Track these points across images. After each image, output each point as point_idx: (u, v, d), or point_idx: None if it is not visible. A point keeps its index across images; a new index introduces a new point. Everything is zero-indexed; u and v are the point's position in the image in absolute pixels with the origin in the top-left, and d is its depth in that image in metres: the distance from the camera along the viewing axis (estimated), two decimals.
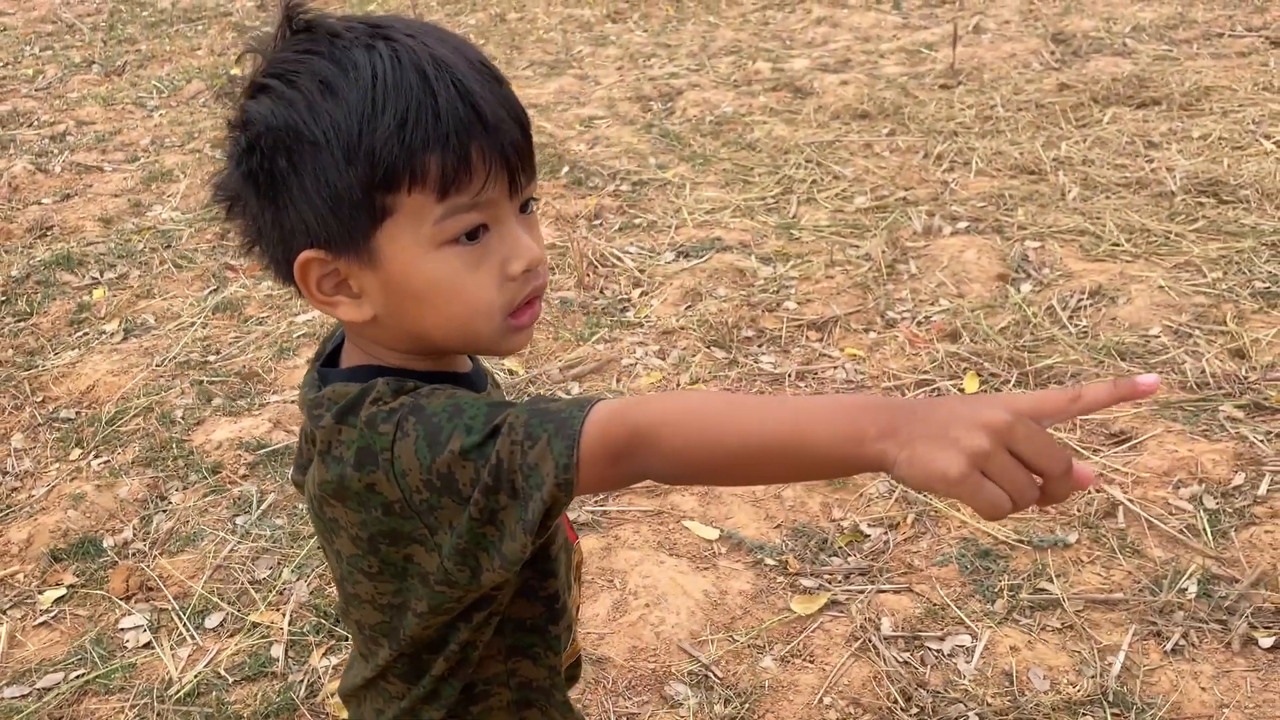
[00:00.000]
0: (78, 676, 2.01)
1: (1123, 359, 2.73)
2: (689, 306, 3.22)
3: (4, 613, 2.20)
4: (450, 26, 6.21)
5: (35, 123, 5.26)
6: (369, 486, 0.80)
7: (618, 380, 2.88)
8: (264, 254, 0.87)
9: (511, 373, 2.93)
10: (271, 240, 0.85)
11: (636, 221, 3.82)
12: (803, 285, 3.26)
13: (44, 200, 4.29)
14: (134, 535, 2.39)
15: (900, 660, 1.95)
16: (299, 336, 3.17)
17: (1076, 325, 2.91)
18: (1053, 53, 5.18)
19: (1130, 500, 2.26)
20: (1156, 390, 0.68)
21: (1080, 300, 3.02)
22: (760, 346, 2.99)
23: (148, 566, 2.29)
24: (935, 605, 2.06)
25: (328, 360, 0.95)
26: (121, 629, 2.12)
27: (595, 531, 2.31)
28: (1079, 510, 2.25)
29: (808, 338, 3.00)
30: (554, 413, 0.75)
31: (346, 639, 2.04)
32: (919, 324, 3.00)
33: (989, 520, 0.81)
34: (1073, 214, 3.51)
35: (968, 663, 1.93)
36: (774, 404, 0.73)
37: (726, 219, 3.77)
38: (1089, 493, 2.28)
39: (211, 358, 3.10)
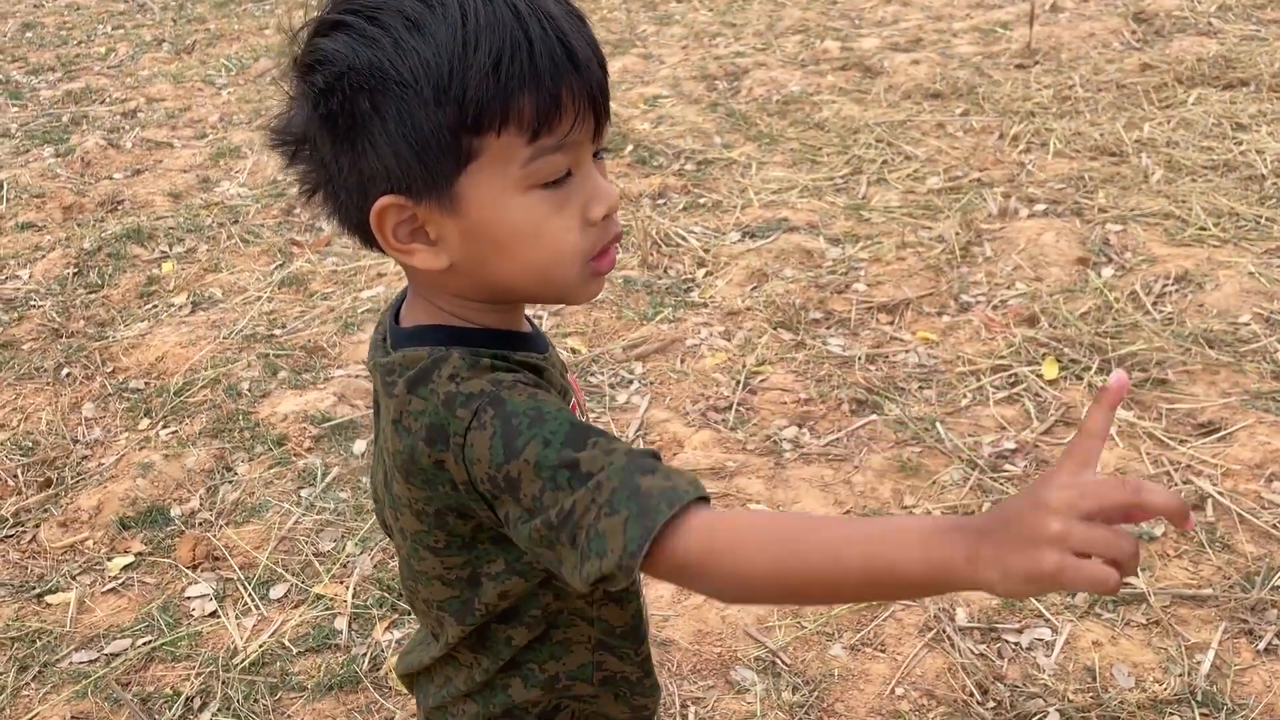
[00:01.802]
0: (145, 643, 2.02)
1: (1210, 347, 2.62)
2: (755, 287, 3.16)
3: (74, 579, 2.22)
4: None
5: (107, 100, 5.33)
6: (438, 464, 0.79)
7: (681, 360, 2.83)
8: (330, 200, 0.83)
9: (575, 351, 2.90)
10: (345, 186, 0.81)
11: (701, 201, 3.76)
12: (873, 267, 3.18)
13: (115, 175, 4.35)
14: (200, 505, 2.40)
15: (976, 652, 1.88)
16: (363, 312, 3.17)
17: (1161, 311, 2.80)
18: (1134, 32, 5.01)
19: (1220, 493, 2.16)
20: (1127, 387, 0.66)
21: (1165, 286, 2.90)
22: (829, 329, 2.92)
23: (214, 536, 2.30)
24: None
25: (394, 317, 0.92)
26: (188, 597, 2.13)
27: None
28: None
29: (878, 320, 2.92)
30: (646, 493, 0.71)
31: (409, 613, 2.03)
32: (995, 308, 2.91)
33: (1112, 594, 0.78)
34: (1156, 197, 3.38)
35: (1047, 657, 1.86)
36: (853, 539, 0.69)
37: (794, 199, 3.69)
38: (1177, 484, 2.19)
39: (277, 331, 3.11)
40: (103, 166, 4.45)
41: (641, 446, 0.80)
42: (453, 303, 0.86)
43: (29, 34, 6.60)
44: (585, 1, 6.54)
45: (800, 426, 2.52)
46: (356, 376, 2.84)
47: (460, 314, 0.86)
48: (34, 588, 2.19)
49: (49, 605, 2.15)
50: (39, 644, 2.04)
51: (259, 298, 3.30)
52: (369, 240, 0.83)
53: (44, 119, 5.06)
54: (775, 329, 2.93)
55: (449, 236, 0.80)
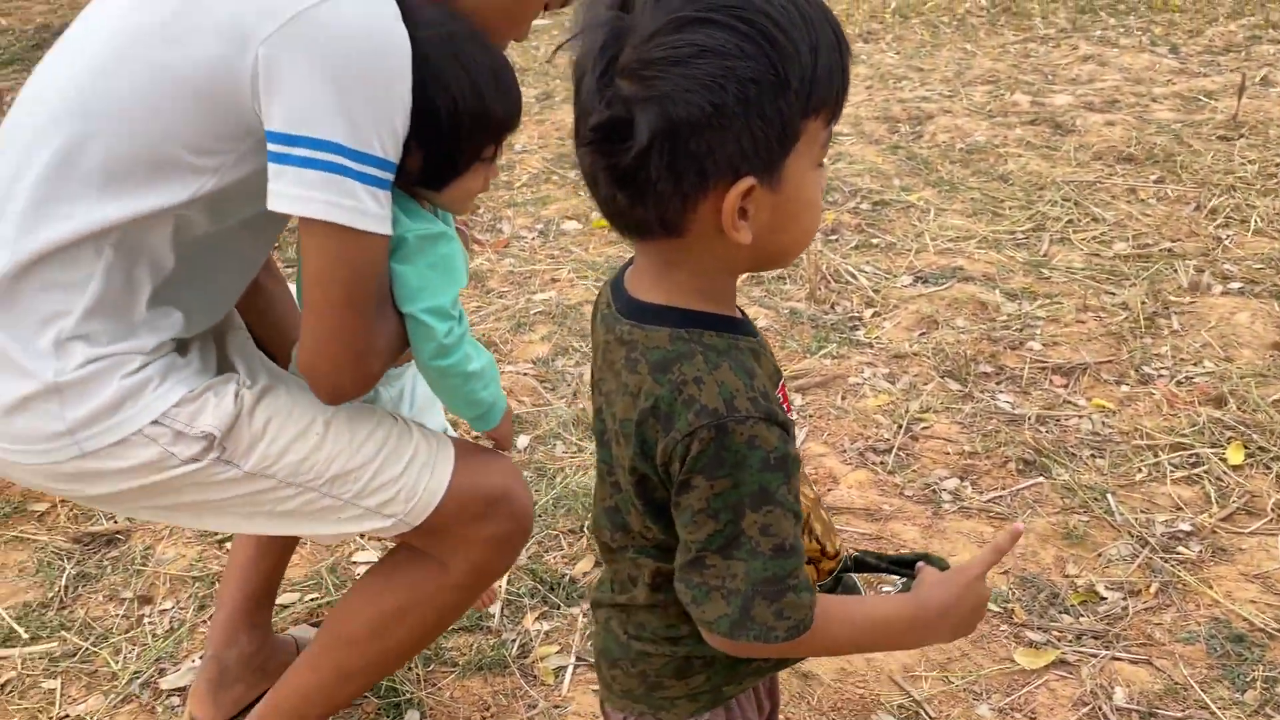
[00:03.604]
0: (311, 599, 2.13)
1: None
2: (923, 333, 3.12)
3: None
4: None
5: None
6: (653, 440, 0.91)
7: (842, 398, 2.81)
8: (642, 190, 0.85)
9: None
10: (681, 172, 0.83)
11: (874, 241, 3.74)
12: (1050, 327, 3.10)
13: None
14: None
15: None
16: (535, 313, 3.27)
17: None
18: None
19: None
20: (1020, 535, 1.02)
21: None
22: (999, 384, 2.85)
23: None
24: (1177, 684, 1.90)
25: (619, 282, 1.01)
26: (354, 562, 2.24)
27: None
28: None
29: (1051, 382, 2.84)
30: (751, 616, 0.91)
31: (558, 607, 2.08)
32: (1179, 384, 2.79)
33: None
34: None
35: None
36: (875, 637, 1.04)
37: (971, 249, 3.63)
38: None
39: None
40: None
41: (796, 545, 0.92)
42: (699, 280, 0.93)
43: None
44: None
45: (962, 479, 2.47)
46: (524, 374, 2.93)
47: (703, 291, 0.94)
48: (218, 534, 2.33)
49: (230, 551, 2.29)
50: (217, 585, 2.17)
51: None
52: (666, 226, 0.87)
53: None
54: (942, 378, 2.88)
55: (760, 212, 0.88)
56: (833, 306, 3.31)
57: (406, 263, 1.24)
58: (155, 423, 1.24)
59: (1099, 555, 2.21)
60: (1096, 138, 4.55)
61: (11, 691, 1.92)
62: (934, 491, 2.44)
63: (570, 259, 3.66)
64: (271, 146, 1.15)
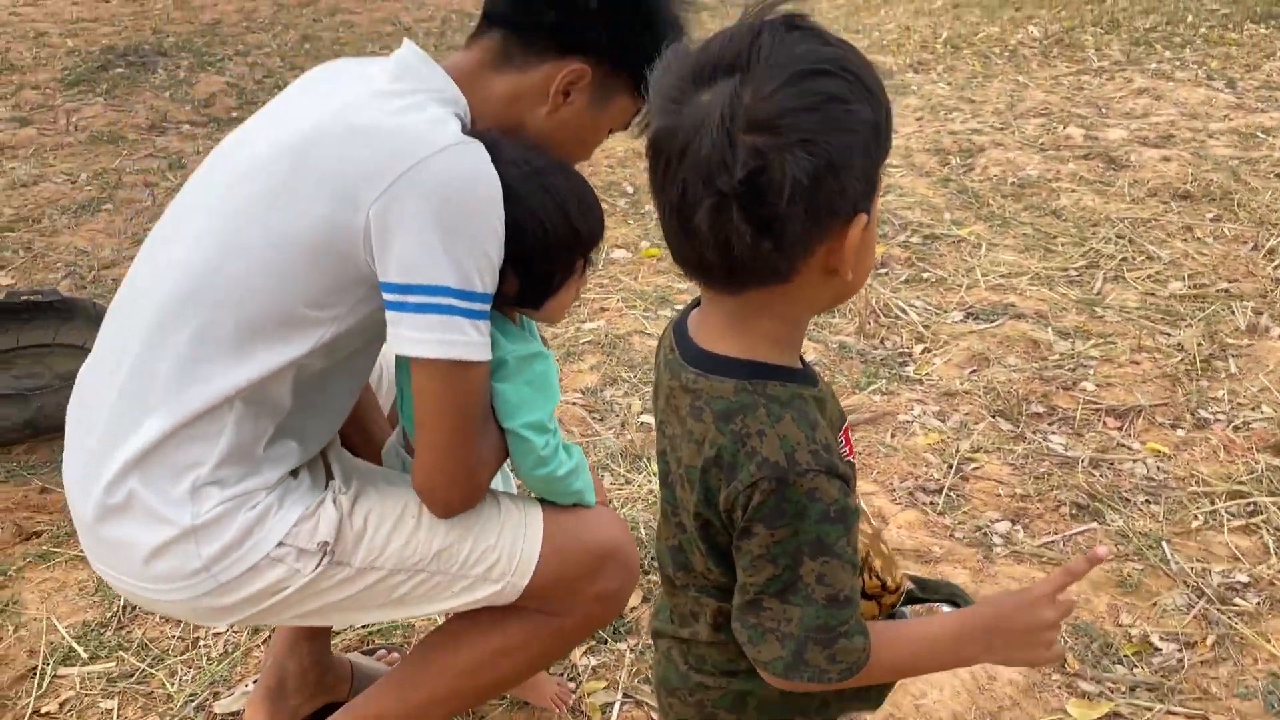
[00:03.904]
0: (363, 627, 2.15)
1: None
2: (974, 371, 3.10)
3: None
4: None
5: None
6: (716, 489, 0.95)
7: (892, 435, 2.80)
8: (798, 222, 0.87)
9: None
10: (828, 208, 0.87)
11: (925, 275, 3.72)
12: (1103, 367, 3.06)
13: None
14: None
15: None
16: (584, 343, 3.29)
17: None
18: None
19: None
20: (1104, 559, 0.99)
21: None
22: (1051, 425, 2.82)
23: None
24: None
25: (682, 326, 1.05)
26: None
27: None
28: None
29: (1105, 424, 2.81)
30: (804, 660, 0.96)
31: (605, 642, 2.08)
32: (1236, 429, 2.74)
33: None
34: None
35: None
36: (923, 657, 1.03)
37: (1023, 285, 3.60)
38: None
39: None
40: None
41: (850, 591, 0.96)
42: (782, 327, 0.98)
43: (306, 45, 7.20)
44: None
45: (1014, 523, 2.44)
46: (573, 404, 2.95)
47: (780, 340, 0.98)
48: None
49: None
50: None
51: None
52: (780, 273, 0.91)
53: None
54: (994, 417, 2.86)
55: (862, 249, 0.93)
56: (882, 342, 3.30)
57: (506, 381, 1.33)
58: (279, 544, 1.35)
59: (1154, 605, 2.18)
60: (1151, 173, 4.51)
61: (70, 710, 1.96)
62: (985, 534, 2.42)
63: (619, 288, 3.69)
64: (387, 296, 1.25)
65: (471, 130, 1.32)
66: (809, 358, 3.15)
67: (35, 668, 2.05)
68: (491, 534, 1.42)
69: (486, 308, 1.27)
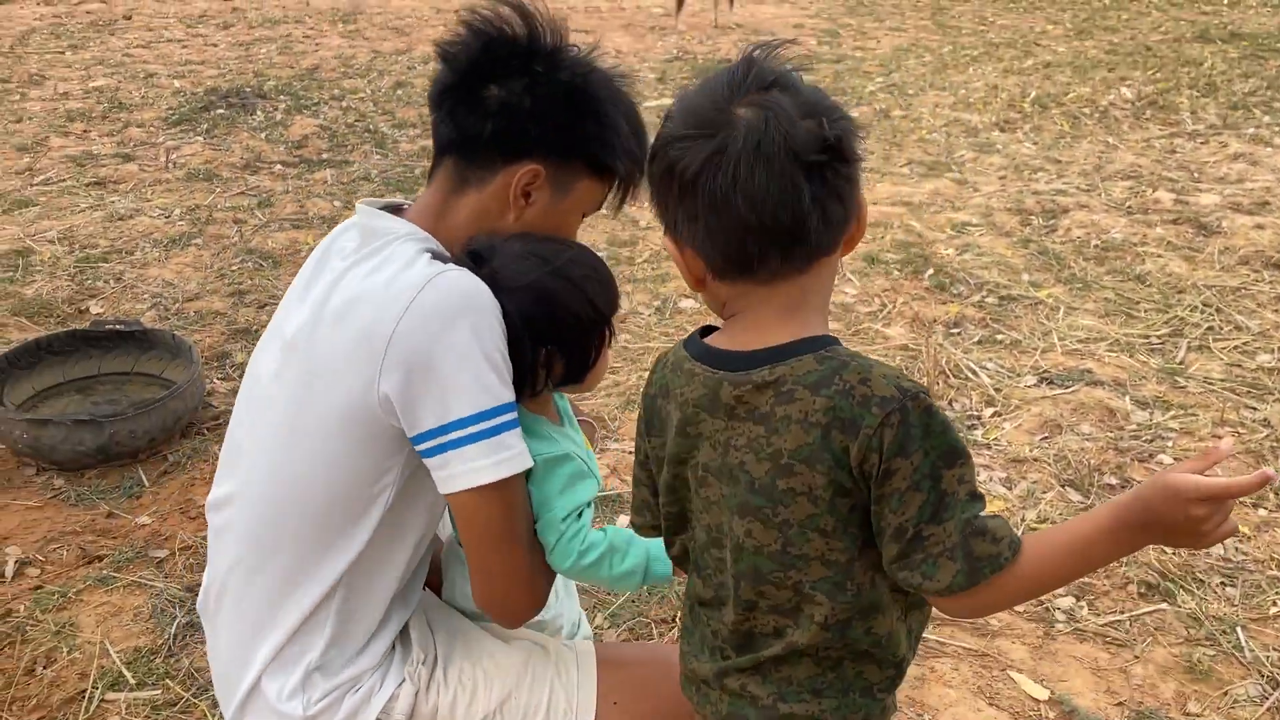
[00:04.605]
0: None
1: None
2: (1046, 438, 3.00)
3: None
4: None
5: None
6: (844, 449, 0.99)
7: None
8: (852, 186, 1.06)
9: None
10: (834, 221, 1.04)
11: (999, 337, 3.64)
12: (1182, 440, 2.94)
13: None
14: None
15: None
16: None
17: None
18: None
19: None
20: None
21: None
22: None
23: None
24: None
25: (703, 339, 1.12)
26: None
27: None
28: None
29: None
30: (977, 557, 1.00)
31: None
32: None
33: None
34: None
35: None
36: (1087, 558, 1.03)
37: (1101, 351, 3.49)
38: None
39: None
40: None
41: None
42: (825, 298, 1.10)
43: (399, 91, 7.41)
44: (905, 121, 6.57)
45: (1078, 599, 2.34)
46: (630, 453, 2.93)
47: (824, 311, 1.09)
48: None
49: None
50: None
51: None
52: (834, 244, 1.06)
53: (400, 169, 5.63)
54: (1063, 486, 2.76)
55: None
56: (951, 403, 3.22)
57: (531, 484, 1.36)
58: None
59: (1225, 694, 2.06)
60: (1243, 241, 4.35)
61: None
62: (1047, 609, 2.32)
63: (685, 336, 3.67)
64: (426, 445, 1.28)
65: (464, 244, 1.38)
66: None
67: (85, 691, 2.08)
68: (543, 681, 1.48)
69: (516, 413, 1.30)
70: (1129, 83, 7.42)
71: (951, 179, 5.42)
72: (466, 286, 1.29)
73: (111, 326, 3.19)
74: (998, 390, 3.27)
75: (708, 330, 1.13)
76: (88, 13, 10.32)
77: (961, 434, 2.98)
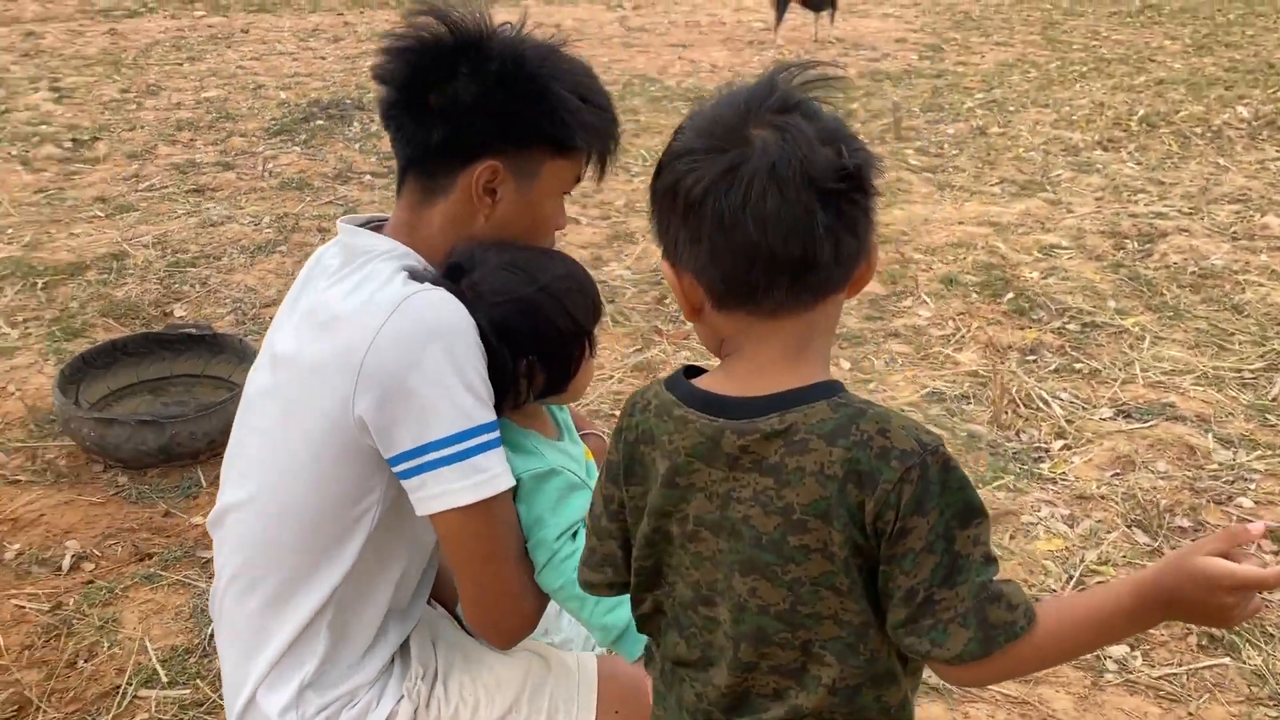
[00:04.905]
0: None
1: None
2: (1117, 474, 2.85)
3: None
4: (929, 133, 6.02)
5: None
6: (859, 505, 0.95)
7: (1010, 536, 2.60)
8: (867, 219, 1.00)
9: None
10: (846, 255, 0.99)
11: (1077, 366, 3.48)
12: (1267, 482, 2.76)
13: None
14: None
15: None
16: None
17: None
18: None
19: None
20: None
21: None
22: (1194, 540, 2.55)
23: None
24: None
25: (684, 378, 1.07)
26: None
27: (944, 700, 2.08)
28: None
29: (1259, 547, 2.51)
30: (991, 624, 0.95)
31: None
32: None
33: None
34: None
35: None
36: (1102, 631, 0.99)
37: (1186, 385, 3.31)
38: None
39: (617, 413, 3.25)
40: None
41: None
42: (829, 341, 1.04)
43: None
44: (1003, 138, 6.37)
45: (1132, 648, 2.21)
46: None
47: (826, 361, 1.03)
48: None
49: None
50: None
51: (611, 377, 3.47)
52: (845, 280, 1.01)
53: None
54: (1130, 527, 2.62)
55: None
56: (1018, 434, 3.09)
57: (520, 501, 1.35)
58: None
59: None
60: None
61: None
62: (1097, 657, 2.19)
63: None
64: (402, 466, 1.28)
65: (445, 256, 1.37)
66: None
67: (120, 686, 2.14)
68: (542, 694, 1.46)
69: (497, 434, 1.29)
70: (1246, 101, 7.05)
71: (1044, 199, 5.23)
72: (439, 308, 1.27)
73: (184, 330, 3.29)
74: (1070, 422, 3.13)
75: (692, 370, 1.07)
76: (209, 26, 10.78)
77: (1025, 468, 2.86)
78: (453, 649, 1.51)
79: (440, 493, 1.26)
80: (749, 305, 0.99)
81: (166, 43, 9.83)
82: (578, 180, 1.45)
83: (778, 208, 0.94)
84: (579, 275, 1.41)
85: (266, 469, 1.39)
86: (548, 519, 1.33)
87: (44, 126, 6.68)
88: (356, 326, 1.27)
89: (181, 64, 8.88)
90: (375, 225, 1.44)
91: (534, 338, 1.35)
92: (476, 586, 1.34)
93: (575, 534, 1.37)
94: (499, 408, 1.34)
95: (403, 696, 1.43)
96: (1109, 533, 2.59)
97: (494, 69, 1.34)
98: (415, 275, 1.33)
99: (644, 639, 1.30)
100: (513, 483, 1.30)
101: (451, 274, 1.36)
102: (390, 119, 1.40)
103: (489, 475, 1.27)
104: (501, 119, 1.35)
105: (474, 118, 1.34)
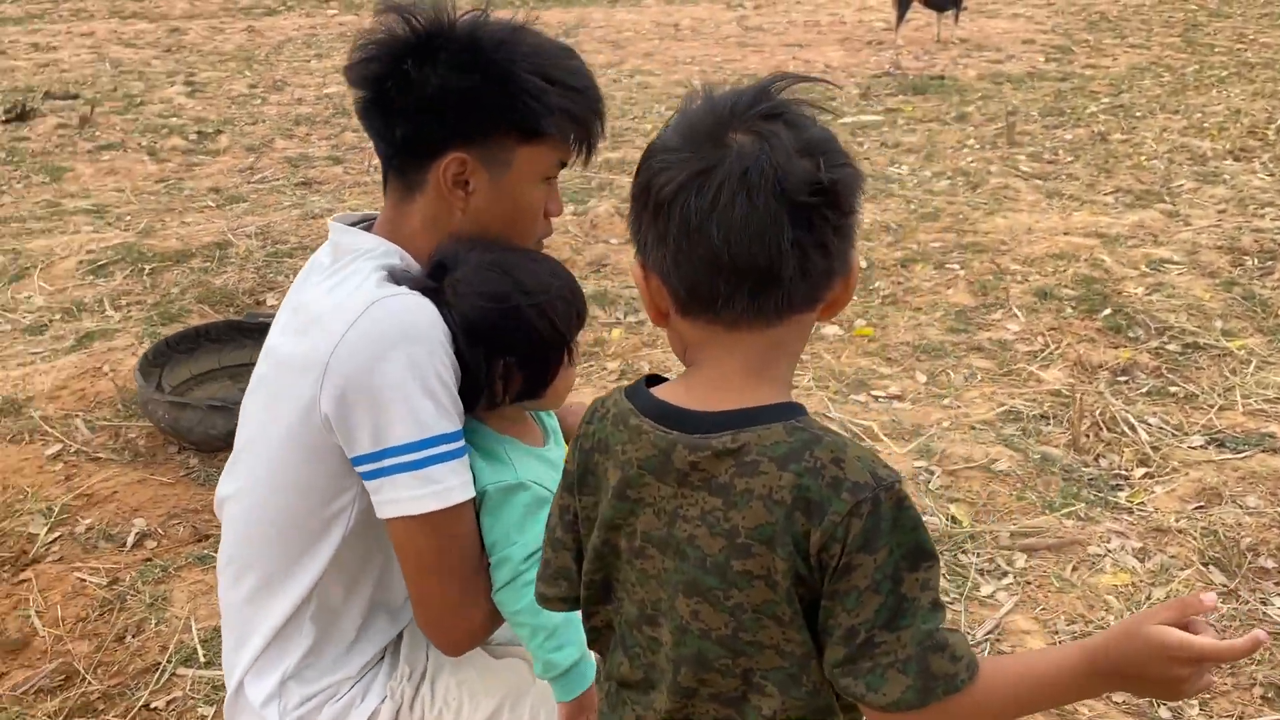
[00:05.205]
0: None
1: None
2: (1200, 507, 2.67)
3: None
4: (1045, 138, 5.76)
5: (630, 172, 5.93)
6: (805, 534, 0.91)
7: (1073, 568, 2.46)
8: (843, 235, 0.97)
9: (955, 520, 2.64)
10: (813, 272, 0.95)
11: (1172, 389, 3.27)
12: None
13: (611, 240, 4.80)
14: None
15: None
16: None
17: None
18: None
19: None
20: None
21: None
22: (1277, 584, 2.37)
23: None
24: None
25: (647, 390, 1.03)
26: None
27: None
28: None
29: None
30: (932, 675, 0.91)
31: None
32: None
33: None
34: None
35: None
36: (1049, 692, 0.96)
37: None
38: None
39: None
40: (606, 230, 4.93)
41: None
42: (787, 373, 1.00)
43: None
44: (1124, 146, 6.06)
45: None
46: None
47: (786, 384, 0.99)
48: None
49: None
50: None
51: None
52: (818, 298, 0.98)
53: (579, 179, 5.74)
54: (1205, 565, 2.44)
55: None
56: (1097, 459, 2.92)
57: (487, 514, 1.33)
58: None
59: None
60: None
61: (173, 710, 2.10)
62: (1151, 703, 2.05)
63: (819, 365, 3.52)
64: (363, 468, 1.29)
65: (432, 253, 1.36)
66: (999, 465, 2.86)
67: (160, 664, 2.22)
68: (523, 705, 1.45)
69: (459, 445, 1.28)
70: None
71: (1161, 210, 4.94)
72: (407, 314, 1.27)
73: (263, 319, 3.40)
74: (1155, 449, 2.94)
75: (654, 380, 1.04)
76: (340, 24, 11.17)
77: (1100, 495, 2.71)
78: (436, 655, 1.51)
79: (393, 499, 1.27)
80: (709, 314, 0.96)
81: (299, 40, 10.22)
82: (563, 164, 1.41)
83: (744, 215, 0.91)
84: (564, 281, 1.39)
85: (254, 460, 1.41)
86: (514, 536, 1.31)
87: (174, 119, 7.02)
88: (326, 326, 1.28)
89: (309, 60, 9.22)
90: (367, 224, 1.45)
91: (510, 339, 1.33)
92: (419, 594, 1.34)
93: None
94: (472, 408, 1.33)
95: (386, 697, 1.44)
96: (1182, 570, 2.43)
97: (449, 59, 1.32)
98: (394, 275, 1.33)
99: (582, 684, 1.27)
100: (469, 496, 1.29)
101: (435, 272, 1.35)
102: (364, 120, 1.40)
103: (441, 488, 1.26)
104: (460, 109, 1.33)
105: (433, 111, 1.33)
